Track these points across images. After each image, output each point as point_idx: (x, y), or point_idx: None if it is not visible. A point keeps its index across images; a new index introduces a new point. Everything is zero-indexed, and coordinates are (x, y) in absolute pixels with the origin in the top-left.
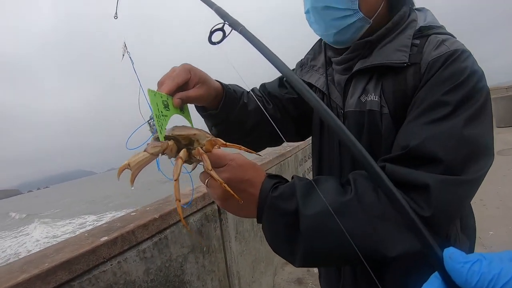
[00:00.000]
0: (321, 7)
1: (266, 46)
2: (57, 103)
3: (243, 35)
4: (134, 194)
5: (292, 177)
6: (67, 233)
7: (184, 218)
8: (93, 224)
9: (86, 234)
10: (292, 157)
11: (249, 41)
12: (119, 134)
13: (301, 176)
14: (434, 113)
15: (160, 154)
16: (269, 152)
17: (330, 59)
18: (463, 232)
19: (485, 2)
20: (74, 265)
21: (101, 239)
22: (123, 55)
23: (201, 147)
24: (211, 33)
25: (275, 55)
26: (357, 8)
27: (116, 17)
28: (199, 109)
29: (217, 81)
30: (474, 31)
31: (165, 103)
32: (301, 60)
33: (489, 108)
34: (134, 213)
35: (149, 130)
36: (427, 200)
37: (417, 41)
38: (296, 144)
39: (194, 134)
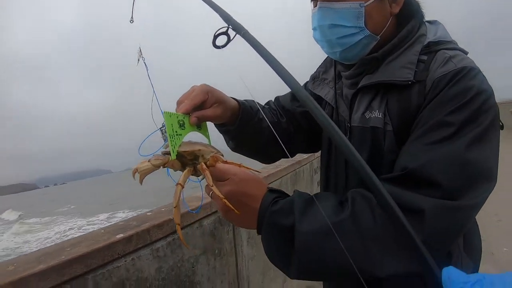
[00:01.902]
0: (328, 26)
1: (269, 52)
2: (78, 104)
3: (245, 39)
4: (149, 195)
5: (294, 192)
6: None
7: (198, 220)
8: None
9: (102, 231)
10: (307, 165)
11: (251, 45)
12: (137, 136)
13: (316, 184)
14: (436, 134)
15: (161, 167)
16: (283, 160)
17: (340, 72)
18: (466, 252)
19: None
20: (89, 259)
21: (117, 236)
22: (138, 60)
23: (205, 162)
24: (215, 37)
25: (278, 61)
26: (363, 25)
27: (132, 21)
28: (217, 125)
29: (233, 98)
30: (488, 43)
31: (181, 122)
32: (314, 73)
33: (496, 130)
34: (149, 213)
35: (161, 137)
36: (421, 224)
37: (425, 57)
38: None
39: (199, 150)
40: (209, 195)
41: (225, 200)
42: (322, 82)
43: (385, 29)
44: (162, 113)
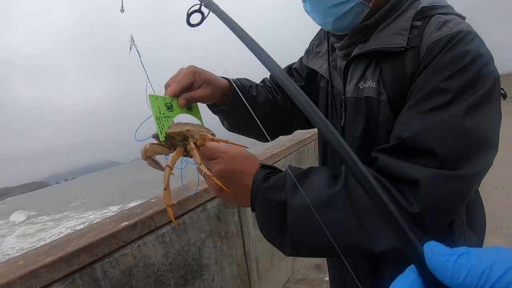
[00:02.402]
0: None
1: (242, 28)
2: (82, 98)
3: (216, 15)
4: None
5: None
6: None
7: (202, 204)
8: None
9: (108, 220)
10: (311, 144)
11: (222, 21)
12: (143, 126)
13: None
14: (432, 102)
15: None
16: (288, 139)
17: (333, 44)
18: (469, 226)
19: None
20: (96, 248)
21: (121, 224)
22: (130, 48)
23: (195, 142)
24: (188, 15)
25: (251, 38)
26: None
27: (122, 10)
28: (209, 106)
29: (224, 78)
30: (495, 16)
31: (169, 105)
32: (308, 47)
33: (496, 96)
34: (154, 200)
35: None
36: (416, 196)
37: (418, 23)
38: (315, 130)
39: (188, 130)
40: (201, 175)
41: (213, 178)
42: (316, 55)
43: None
44: (147, 97)
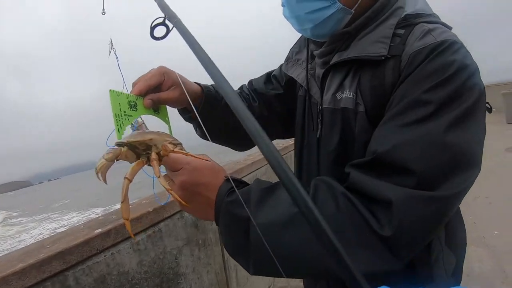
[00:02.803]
0: (295, 0)
1: (199, 44)
2: (66, 96)
3: (176, 28)
4: (146, 185)
5: (254, 180)
6: None
7: (179, 211)
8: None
9: (82, 226)
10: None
11: (182, 35)
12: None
13: None
14: (412, 114)
15: (115, 160)
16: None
17: (313, 52)
18: (448, 246)
19: None
20: (68, 255)
21: (95, 231)
22: (110, 51)
23: (158, 152)
24: (152, 28)
25: (207, 54)
26: None
27: (103, 13)
28: (181, 111)
29: (196, 83)
30: (482, 26)
31: (132, 103)
32: (288, 54)
33: (481, 110)
34: (131, 206)
35: (130, 127)
36: (389, 217)
37: (401, 31)
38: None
39: (151, 139)
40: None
41: (172, 192)
42: (296, 62)
43: (359, 1)
44: (109, 92)
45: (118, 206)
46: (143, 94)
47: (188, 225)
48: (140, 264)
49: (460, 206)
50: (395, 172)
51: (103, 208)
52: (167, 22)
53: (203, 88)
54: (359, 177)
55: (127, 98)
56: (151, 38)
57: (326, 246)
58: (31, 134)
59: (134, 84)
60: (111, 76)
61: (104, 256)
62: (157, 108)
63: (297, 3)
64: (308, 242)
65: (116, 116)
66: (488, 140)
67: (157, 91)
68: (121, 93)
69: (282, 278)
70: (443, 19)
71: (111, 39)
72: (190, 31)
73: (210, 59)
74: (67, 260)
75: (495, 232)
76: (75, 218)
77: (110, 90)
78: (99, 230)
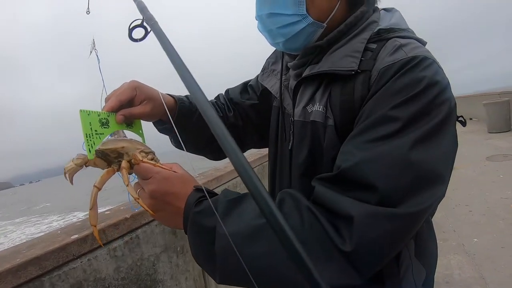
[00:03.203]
0: (266, 15)
1: (174, 49)
2: (50, 98)
3: (153, 31)
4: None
5: (222, 191)
6: None
7: None
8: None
9: (59, 232)
10: None
11: (157, 38)
12: None
13: None
14: (378, 131)
15: (85, 166)
16: (252, 153)
17: (287, 63)
18: (418, 258)
19: (478, 9)
20: (44, 261)
21: (71, 237)
22: (91, 52)
23: (130, 160)
24: (130, 30)
25: (181, 59)
26: (305, 13)
27: (88, 12)
28: (155, 123)
29: (170, 95)
30: (466, 37)
31: (104, 120)
32: (264, 64)
33: (451, 125)
34: (108, 212)
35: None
36: (350, 233)
37: (374, 46)
38: None
39: (122, 147)
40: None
41: (139, 200)
42: (271, 73)
43: (332, 15)
44: (79, 112)
45: (101, 210)
46: (115, 110)
47: (166, 231)
48: (117, 271)
49: (440, 214)
50: (358, 188)
51: (85, 213)
52: (145, 24)
53: (177, 100)
54: (323, 191)
55: (99, 116)
56: (130, 40)
57: (291, 254)
58: (12, 135)
59: (106, 100)
60: (94, 76)
61: (81, 262)
62: (130, 123)
63: (268, 18)
64: (273, 253)
65: (86, 136)
66: (470, 149)
67: (130, 106)
68: (92, 111)
69: None
70: (428, 28)
71: (93, 39)
72: (166, 34)
73: (184, 64)
74: (43, 266)
75: (475, 240)
76: (55, 223)
77: (80, 110)
78: (76, 236)
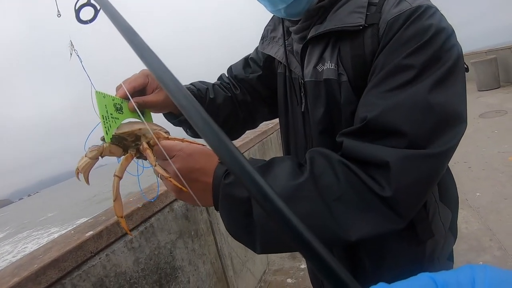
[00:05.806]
0: None
1: (129, 25)
2: (34, 108)
3: (103, 9)
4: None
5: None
6: None
7: (168, 204)
8: None
9: (72, 232)
10: (274, 134)
11: (109, 17)
12: (100, 131)
13: None
14: (395, 79)
15: (100, 157)
16: (251, 131)
17: (288, 28)
18: (443, 202)
19: None
20: (62, 262)
21: (86, 234)
22: (71, 54)
23: (148, 142)
24: (77, 11)
25: (140, 38)
26: None
27: (59, 15)
28: (167, 117)
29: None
30: None
31: (118, 106)
32: (263, 32)
33: (461, 70)
34: None
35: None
36: (387, 178)
37: (376, 0)
38: (277, 120)
39: (139, 129)
40: (158, 177)
41: (171, 179)
42: (272, 40)
43: None
44: (95, 93)
45: (110, 204)
46: (127, 97)
47: (179, 217)
48: (137, 262)
49: None
50: (387, 136)
51: (91, 217)
52: (93, 1)
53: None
54: (353, 144)
55: (113, 100)
56: (78, 22)
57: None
58: (4, 150)
59: (117, 88)
60: (80, 81)
61: (100, 258)
62: (142, 112)
63: None
64: (313, 211)
65: (103, 118)
66: None
67: (142, 94)
68: (107, 95)
69: (277, 261)
70: None
71: (70, 41)
72: (120, 13)
73: (144, 42)
74: (62, 268)
75: (477, 194)
76: (64, 231)
77: (96, 92)
78: (91, 232)
